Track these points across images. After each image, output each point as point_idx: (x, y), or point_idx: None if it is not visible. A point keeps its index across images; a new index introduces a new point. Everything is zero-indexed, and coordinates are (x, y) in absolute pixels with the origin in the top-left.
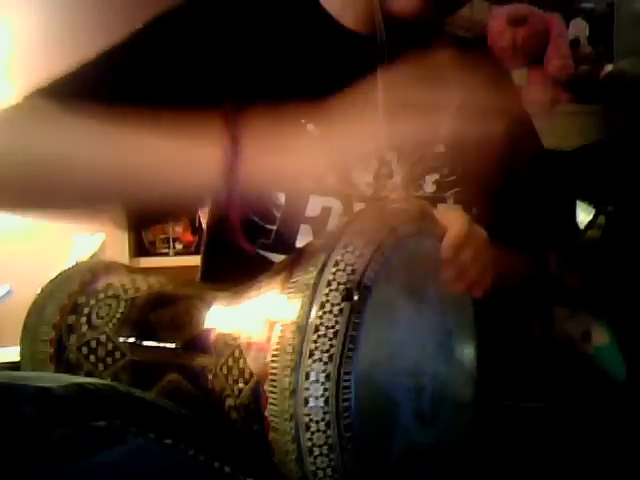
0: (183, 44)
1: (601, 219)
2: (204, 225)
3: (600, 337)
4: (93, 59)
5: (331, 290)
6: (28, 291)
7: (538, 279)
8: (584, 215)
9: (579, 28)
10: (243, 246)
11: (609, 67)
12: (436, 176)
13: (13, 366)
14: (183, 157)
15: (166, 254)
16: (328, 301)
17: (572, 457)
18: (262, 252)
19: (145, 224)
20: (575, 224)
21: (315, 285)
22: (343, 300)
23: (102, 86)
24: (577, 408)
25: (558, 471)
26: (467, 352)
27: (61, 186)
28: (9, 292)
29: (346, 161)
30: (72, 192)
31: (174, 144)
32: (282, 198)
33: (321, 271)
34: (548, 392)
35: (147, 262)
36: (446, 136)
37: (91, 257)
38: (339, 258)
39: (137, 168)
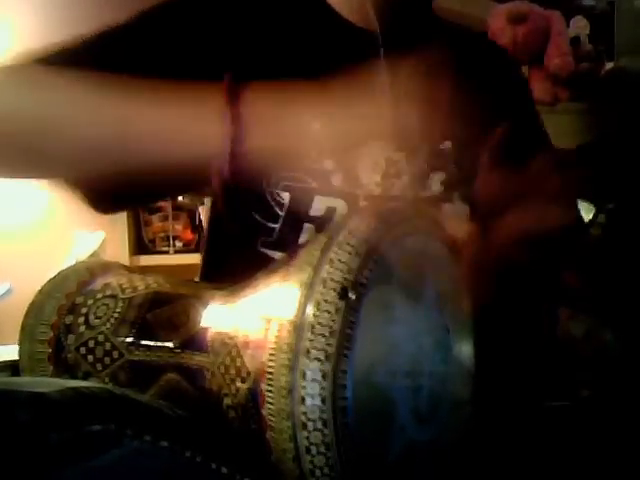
0: (184, 22)
1: (602, 217)
2: (204, 223)
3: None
4: (95, 32)
5: (327, 288)
6: (28, 289)
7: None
8: (585, 214)
9: (580, 26)
10: (224, 217)
11: (610, 65)
12: (442, 175)
13: (13, 364)
14: (183, 126)
15: (166, 252)
16: (324, 299)
17: (569, 456)
18: (264, 250)
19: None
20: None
21: (311, 283)
22: (339, 298)
23: (103, 54)
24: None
25: (557, 470)
26: (465, 349)
27: (52, 151)
28: (9, 290)
29: (349, 143)
30: (65, 157)
31: (174, 113)
32: (286, 197)
33: (317, 269)
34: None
35: (147, 260)
36: (449, 132)
37: (91, 255)
38: (334, 256)
39: (134, 136)
